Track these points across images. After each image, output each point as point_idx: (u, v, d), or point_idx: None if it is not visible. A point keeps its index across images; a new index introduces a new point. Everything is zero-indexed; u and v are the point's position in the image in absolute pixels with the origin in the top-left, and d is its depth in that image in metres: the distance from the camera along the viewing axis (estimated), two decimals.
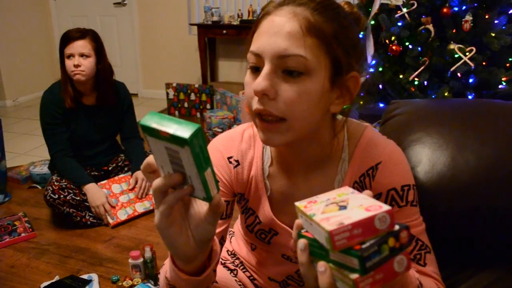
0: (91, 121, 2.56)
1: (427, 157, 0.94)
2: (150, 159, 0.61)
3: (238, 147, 0.94)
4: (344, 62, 0.76)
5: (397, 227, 0.56)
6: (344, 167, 0.88)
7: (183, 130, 0.52)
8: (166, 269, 0.77)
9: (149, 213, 2.61)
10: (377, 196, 0.86)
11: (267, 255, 1.04)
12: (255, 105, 0.76)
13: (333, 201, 0.62)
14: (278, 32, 0.73)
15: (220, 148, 0.95)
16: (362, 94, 2.98)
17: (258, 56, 0.75)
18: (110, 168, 2.72)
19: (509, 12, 2.63)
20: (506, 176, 0.89)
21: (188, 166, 0.55)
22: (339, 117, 0.88)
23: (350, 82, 0.78)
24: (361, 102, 2.95)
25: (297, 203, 0.64)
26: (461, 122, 0.98)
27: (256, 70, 0.77)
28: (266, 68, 0.74)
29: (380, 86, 2.81)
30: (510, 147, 0.91)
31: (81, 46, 2.37)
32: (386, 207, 0.55)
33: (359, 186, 0.87)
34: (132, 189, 2.62)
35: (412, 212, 0.86)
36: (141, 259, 1.99)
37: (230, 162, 0.94)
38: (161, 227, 0.62)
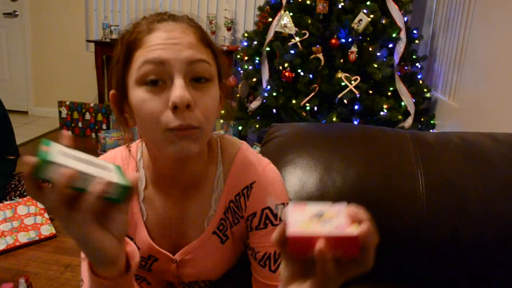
0: None
1: (297, 177, 0.97)
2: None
3: None
4: (223, 71, 0.82)
5: None
6: (220, 184, 0.87)
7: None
8: None
9: (33, 243, 2.37)
10: (251, 216, 0.86)
11: (153, 286, 0.99)
12: (173, 122, 0.70)
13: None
14: (178, 43, 0.72)
15: None
16: (258, 118, 3.06)
17: (161, 66, 0.71)
18: None
19: (389, 46, 2.87)
20: (367, 195, 0.94)
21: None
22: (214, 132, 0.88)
23: (226, 87, 0.84)
24: (257, 126, 3.02)
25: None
26: (329, 144, 1.02)
27: (155, 83, 0.72)
28: (179, 78, 0.71)
29: (274, 110, 2.90)
30: (370, 168, 0.96)
31: None
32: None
33: (235, 205, 0.87)
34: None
35: None
36: None
37: None
38: (83, 236, 0.55)
